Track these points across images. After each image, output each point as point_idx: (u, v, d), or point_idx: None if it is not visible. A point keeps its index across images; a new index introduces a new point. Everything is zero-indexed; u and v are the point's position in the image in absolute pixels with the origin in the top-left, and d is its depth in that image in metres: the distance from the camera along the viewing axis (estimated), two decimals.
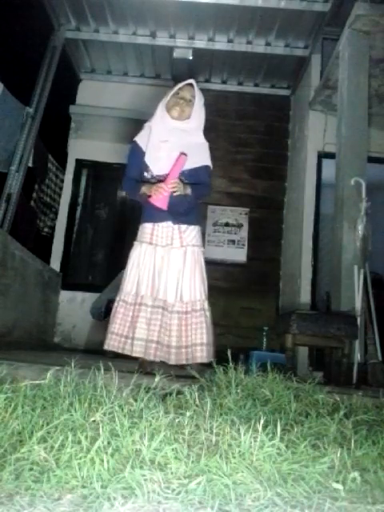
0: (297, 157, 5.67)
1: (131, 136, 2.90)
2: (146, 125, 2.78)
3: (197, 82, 2.79)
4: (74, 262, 6.14)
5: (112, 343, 2.55)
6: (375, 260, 4.04)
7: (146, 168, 2.67)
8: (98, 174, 6.43)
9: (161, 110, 2.71)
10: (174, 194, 2.54)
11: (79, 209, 6.28)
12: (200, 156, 2.71)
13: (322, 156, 5.13)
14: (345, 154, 3.93)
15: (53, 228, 6.34)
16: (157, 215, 2.62)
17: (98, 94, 6.26)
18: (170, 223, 2.63)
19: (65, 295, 5.80)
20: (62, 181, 6.31)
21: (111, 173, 6.31)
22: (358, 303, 3.47)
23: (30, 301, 4.65)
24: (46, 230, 6.51)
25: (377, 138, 4.89)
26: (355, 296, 3.50)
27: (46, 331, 5.34)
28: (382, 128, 5.00)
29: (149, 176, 2.66)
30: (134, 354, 2.50)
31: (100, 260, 6.39)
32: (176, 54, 5.52)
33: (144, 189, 2.60)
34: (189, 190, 2.60)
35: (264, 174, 6.03)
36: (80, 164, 6.23)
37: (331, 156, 4.40)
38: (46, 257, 5.69)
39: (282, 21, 5.02)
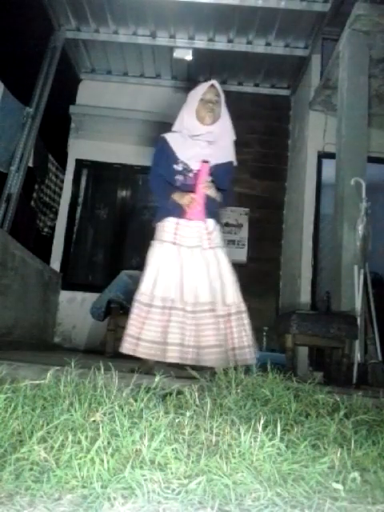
0: (297, 157, 5.67)
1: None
2: (174, 129, 2.72)
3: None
4: (74, 262, 6.14)
5: (141, 350, 2.43)
6: (375, 260, 4.04)
7: (175, 159, 2.61)
8: (98, 173, 6.43)
9: (191, 119, 2.65)
10: (206, 192, 2.52)
11: (79, 209, 6.28)
12: (226, 152, 2.69)
13: (322, 156, 5.13)
14: (345, 154, 3.93)
15: (53, 228, 6.34)
16: (181, 210, 2.54)
17: (98, 94, 6.26)
18: (195, 221, 2.56)
19: (65, 295, 5.80)
20: (62, 181, 6.32)
21: (111, 173, 6.32)
22: (358, 303, 3.47)
23: (29, 301, 4.65)
24: (46, 230, 6.51)
25: (377, 137, 4.89)
26: (355, 296, 3.50)
27: (46, 331, 5.33)
28: (382, 128, 5.00)
29: (180, 168, 2.60)
30: (168, 360, 2.42)
31: (100, 260, 6.39)
32: (176, 54, 5.53)
33: (176, 197, 2.53)
34: (219, 196, 2.58)
35: (264, 174, 6.03)
36: (80, 164, 6.23)
37: (331, 156, 4.41)
38: (46, 257, 5.69)
39: (281, 21, 5.02)
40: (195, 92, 2.69)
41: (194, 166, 2.59)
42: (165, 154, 2.64)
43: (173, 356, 2.41)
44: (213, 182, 2.57)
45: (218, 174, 2.62)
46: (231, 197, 2.79)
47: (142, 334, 2.43)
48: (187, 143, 2.62)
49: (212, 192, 2.54)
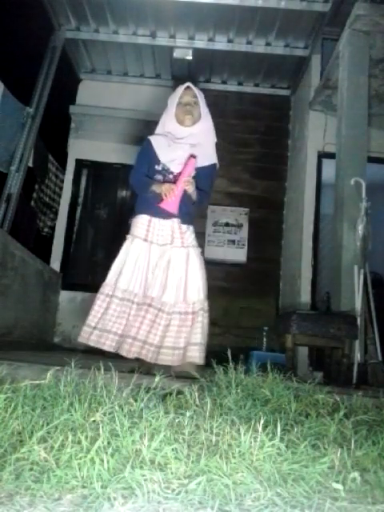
0: (297, 157, 5.67)
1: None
2: (158, 132, 2.77)
3: (197, 82, 2.80)
4: (74, 262, 6.14)
5: (93, 338, 2.47)
6: (375, 260, 4.04)
7: (157, 161, 2.65)
8: (97, 173, 6.43)
9: (171, 123, 2.70)
10: (186, 187, 2.54)
11: (79, 209, 6.28)
12: (209, 155, 2.73)
13: (322, 156, 5.13)
14: (345, 154, 3.93)
15: (53, 228, 6.35)
16: (155, 208, 2.57)
17: (98, 94, 6.26)
18: (169, 221, 2.60)
19: (65, 295, 5.80)
20: (62, 181, 6.32)
21: (111, 173, 6.31)
22: (358, 303, 3.47)
23: (30, 301, 4.65)
24: (45, 230, 6.52)
25: (377, 137, 4.89)
26: (355, 296, 3.50)
27: (46, 331, 5.34)
28: (382, 128, 5.00)
29: (160, 168, 2.64)
30: (105, 348, 2.45)
31: (100, 260, 6.38)
32: (176, 53, 5.53)
33: (154, 187, 2.57)
34: (195, 195, 2.61)
35: (264, 174, 6.03)
36: (80, 164, 6.24)
37: (331, 156, 4.41)
38: (46, 257, 5.69)
39: (281, 21, 5.02)
40: (173, 96, 2.74)
41: (175, 168, 2.62)
42: (148, 156, 2.69)
43: (110, 344, 2.44)
44: (194, 178, 2.59)
45: (201, 175, 2.66)
46: (208, 198, 2.82)
47: (99, 323, 2.48)
48: (171, 146, 2.66)
49: (190, 189, 2.56)
